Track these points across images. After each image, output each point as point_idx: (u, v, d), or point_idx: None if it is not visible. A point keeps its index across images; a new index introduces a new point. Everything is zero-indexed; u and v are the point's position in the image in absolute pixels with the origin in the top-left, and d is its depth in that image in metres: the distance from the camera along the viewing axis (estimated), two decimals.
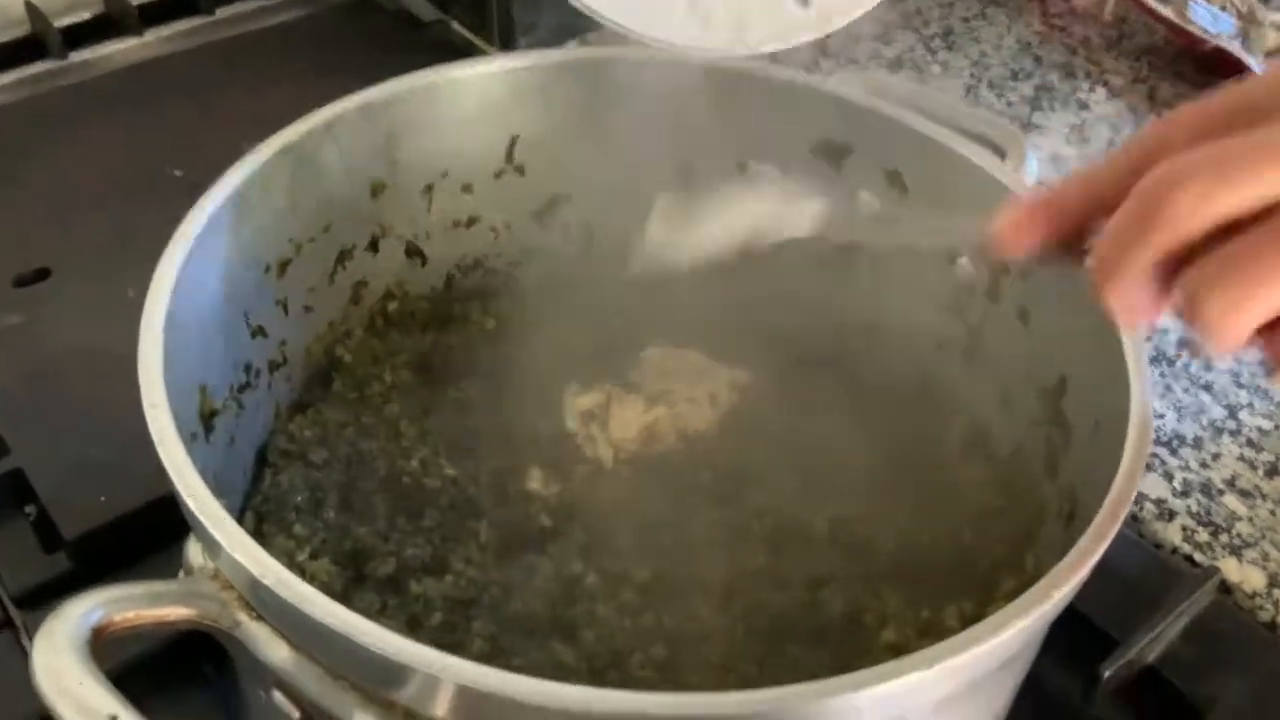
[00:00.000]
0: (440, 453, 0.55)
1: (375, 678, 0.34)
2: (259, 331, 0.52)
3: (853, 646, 0.47)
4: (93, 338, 0.62)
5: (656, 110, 0.57)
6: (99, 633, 0.35)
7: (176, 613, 0.37)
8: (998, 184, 0.51)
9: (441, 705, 0.33)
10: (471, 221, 0.61)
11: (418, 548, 0.51)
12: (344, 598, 0.47)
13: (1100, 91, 0.94)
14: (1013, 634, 0.34)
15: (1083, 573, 0.37)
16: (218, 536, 0.35)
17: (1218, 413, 0.69)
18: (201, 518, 0.36)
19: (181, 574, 0.40)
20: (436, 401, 0.57)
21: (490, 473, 0.54)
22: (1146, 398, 0.42)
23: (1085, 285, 0.46)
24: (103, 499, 0.56)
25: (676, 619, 0.48)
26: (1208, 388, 0.71)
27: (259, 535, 0.50)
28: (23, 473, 0.57)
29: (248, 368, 0.52)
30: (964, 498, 0.53)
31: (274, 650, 0.37)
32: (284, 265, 0.53)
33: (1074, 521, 0.45)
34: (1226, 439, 0.68)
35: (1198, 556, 0.61)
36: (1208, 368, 0.72)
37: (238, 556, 0.35)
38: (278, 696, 0.37)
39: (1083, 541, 0.37)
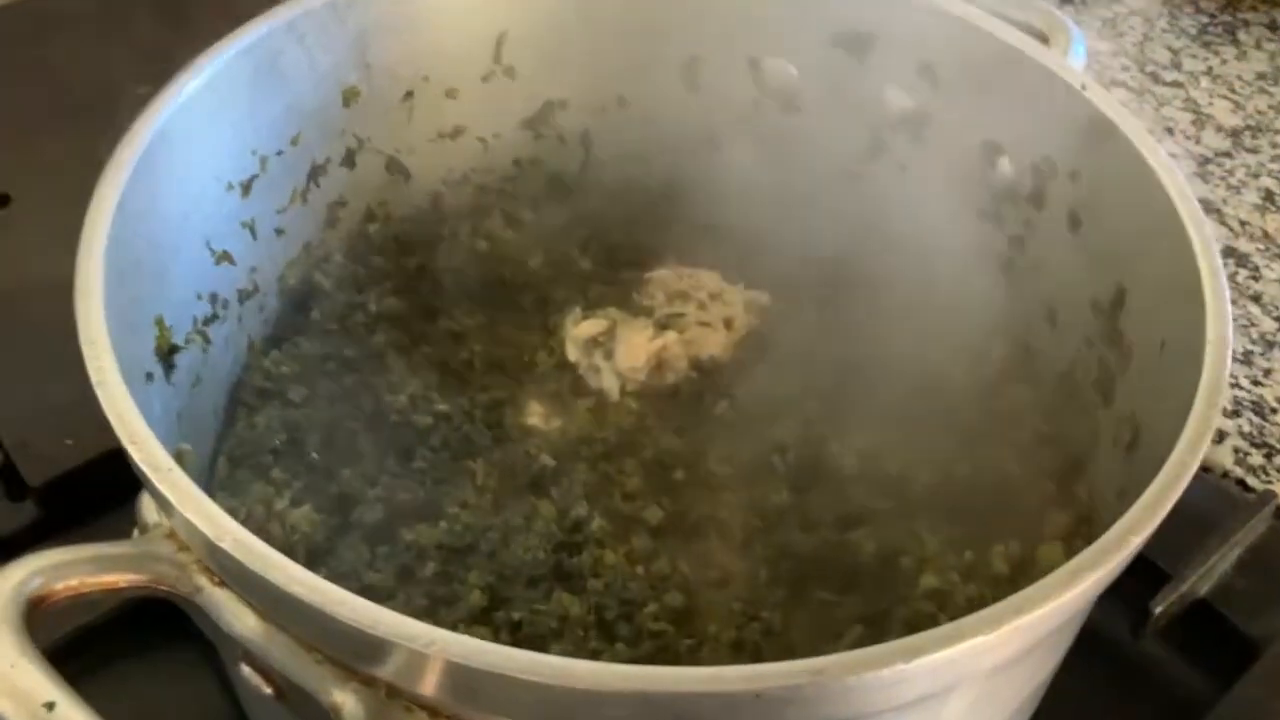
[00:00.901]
0: (431, 387, 0.52)
1: (353, 652, 0.31)
2: (224, 258, 0.49)
3: (888, 592, 0.45)
4: (56, 268, 0.59)
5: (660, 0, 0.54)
6: (36, 604, 0.31)
7: (127, 578, 0.33)
8: (1045, 72, 0.46)
9: (429, 683, 0.30)
10: (457, 132, 0.57)
11: (408, 491, 0.48)
12: (328, 548, 0.46)
13: None
14: (1084, 588, 0.30)
15: (1161, 514, 0.32)
16: (166, 492, 0.31)
17: (1268, 325, 0.67)
18: (148, 470, 0.32)
19: (136, 532, 0.36)
20: (425, 331, 0.56)
21: (485, 408, 0.52)
22: (1225, 312, 0.37)
23: (1147, 183, 0.42)
24: (69, 442, 0.54)
25: (692, 564, 0.46)
26: (1256, 298, 0.68)
27: (232, 482, 0.48)
28: None
29: (213, 298, 0.49)
30: (1007, 426, 0.50)
31: (240, 619, 0.33)
32: (249, 183, 0.50)
33: (1136, 451, 0.42)
34: (1278, 353, 0.65)
35: (1251, 480, 0.59)
36: (1256, 277, 0.68)
37: (190, 515, 0.31)
38: (246, 670, 0.33)
39: (1161, 479, 0.33)
